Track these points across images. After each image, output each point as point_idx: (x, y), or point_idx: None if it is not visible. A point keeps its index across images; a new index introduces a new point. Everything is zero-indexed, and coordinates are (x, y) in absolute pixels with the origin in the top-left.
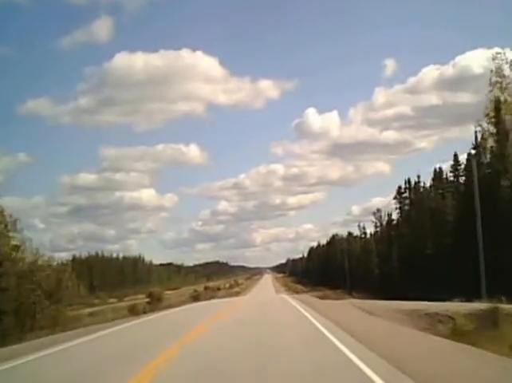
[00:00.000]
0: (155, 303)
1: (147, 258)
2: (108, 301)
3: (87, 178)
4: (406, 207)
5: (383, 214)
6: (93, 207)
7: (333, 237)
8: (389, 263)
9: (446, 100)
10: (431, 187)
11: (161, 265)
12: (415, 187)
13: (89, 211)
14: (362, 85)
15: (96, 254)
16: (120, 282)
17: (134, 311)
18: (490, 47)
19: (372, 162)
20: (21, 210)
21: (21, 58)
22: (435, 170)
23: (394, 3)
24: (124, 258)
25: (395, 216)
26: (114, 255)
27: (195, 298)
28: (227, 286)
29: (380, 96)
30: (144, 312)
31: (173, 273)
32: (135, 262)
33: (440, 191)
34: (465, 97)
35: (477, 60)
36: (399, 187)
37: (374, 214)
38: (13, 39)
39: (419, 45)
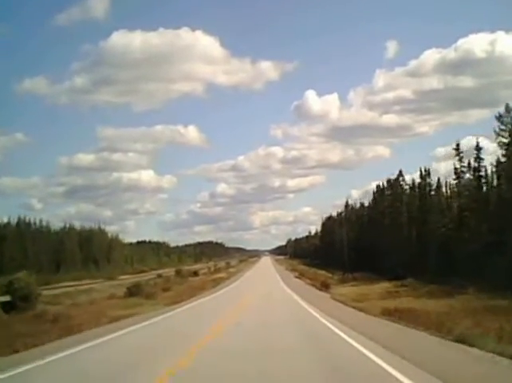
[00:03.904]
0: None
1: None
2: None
3: (85, 158)
4: None
5: None
6: (91, 187)
7: (386, 186)
8: None
9: (447, 83)
10: None
11: (138, 243)
12: None
13: (87, 191)
14: (363, 68)
15: (18, 222)
16: (56, 264)
17: None
18: (493, 31)
19: (372, 145)
20: (20, 190)
21: (16, 36)
22: None
23: None
24: (70, 229)
25: None
26: (57, 227)
27: (133, 291)
28: (212, 269)
29: (381, 78)
30: None
31: (150, 253)
32: (89, 238)
33: None
34: (466, 81)
35: (479, 43)
36: None
37: (499, 118)
38: (6, 16)
39: (422, 27)
